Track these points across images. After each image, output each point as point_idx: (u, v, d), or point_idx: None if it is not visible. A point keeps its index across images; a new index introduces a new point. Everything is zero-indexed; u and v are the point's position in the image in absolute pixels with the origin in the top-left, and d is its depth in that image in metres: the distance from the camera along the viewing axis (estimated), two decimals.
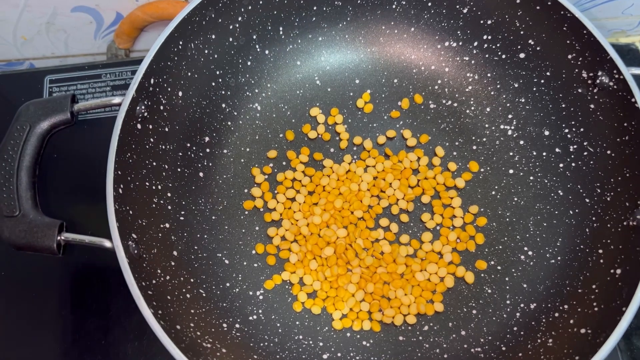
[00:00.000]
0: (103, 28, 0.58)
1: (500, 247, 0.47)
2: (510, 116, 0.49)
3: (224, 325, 0.43)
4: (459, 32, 0.50)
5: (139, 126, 0.42)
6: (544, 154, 0.48)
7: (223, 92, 0.49)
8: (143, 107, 0.42)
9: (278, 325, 0.44)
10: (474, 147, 0.50)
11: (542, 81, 0.47)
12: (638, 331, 0.48)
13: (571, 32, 0.44)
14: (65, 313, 0.48)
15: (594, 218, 0.44)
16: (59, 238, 0.38)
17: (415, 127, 0.51)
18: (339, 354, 0.44)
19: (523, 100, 0.49)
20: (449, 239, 0.47)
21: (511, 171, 0.49)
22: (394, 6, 0.50)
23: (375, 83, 0.52)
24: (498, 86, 0.50)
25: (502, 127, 0.50)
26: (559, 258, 0.45)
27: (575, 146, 0.46)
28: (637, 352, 0.48)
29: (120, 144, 0.40)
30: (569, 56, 0.45)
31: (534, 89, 0.48)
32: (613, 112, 0.43)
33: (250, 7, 0.47)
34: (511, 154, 0.49)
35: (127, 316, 0.48)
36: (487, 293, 0.45)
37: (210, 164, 0.48)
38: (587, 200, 0.45)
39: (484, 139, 0.50)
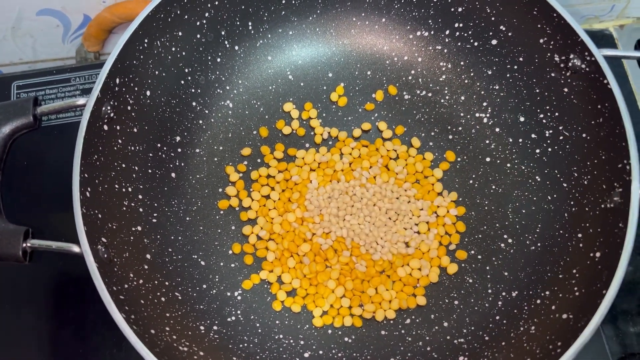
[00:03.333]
0: (71, 31, 0.57)
1: (480, 236, 0.46)
2: (485, 104, 0.49)
3: (201, 327, 0.42)
4: (430, 21, 0.49)
5: (105, 127, 0.41)
6: (520, 140, 0.47)
7: (193, 90, 0.48)
8: (109, 108, 0.41)
9: (257, 325, 0.44)
10: (450, 137, 0.49)
11: (515, 67, 0.47)
12: (624, 316, 0.48)
13: (541, 16, 0.44)
14: (41, 323, 0.47)
15: (572, 202, 0.43)
16: (24, 245, 0.37)
17: (390, 119, 0.50)
18: (320, 352, 0.43)
19: (497, 87, 0.48)
20: (433, 232, 0.46)
21: (488, 159, 0.48)
22: None
23: (349, 76, 0.51)
24: (472, 74, 0.49)
25: (477, 115, 0.49)
26: (539, 244, 0.44)
27: (550, 131, 0.46)
28: (624, 336, 0.48)
29: (86, 146, 0.39)
30: (541, 40, 0.45)
31: (508, 75, 0.48)
32: (586, 95, 0.43)
33: (217, 2, 0.46)
34: (487, 141, 0.48)
35: (105, 323, 0.46)
36: (469, 283, 0.45)
37: (183, 164, 0.47)
38: (565, 185, 0.44)
39: (460, 128, 0.49)
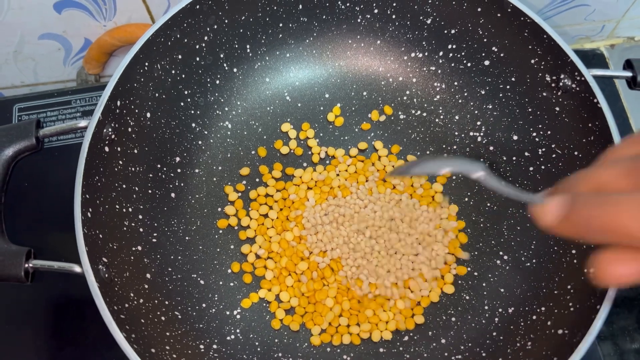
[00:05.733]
0: (72, 54, 0.58)
1: (476, 253, 0.47)
2: (478, 123, 0.50)
3: (201, 346, 0.42)
4: (424, 43, 0.50)
5: (106, 149, 0.42)
6: (514, 158, 0.48)
7: (192, 112, 0.49)
8: (110, 130, 0.42)
9: (257, 344, 0.44)
10: (445, 155, 0.50)
11: (508, 87, 0.48)
12: (622, 332, 0.48)
13: (532, 37, 0.45)
14: (41, 343, 0.47)
15: None
16: (26, 265, 0.37)
17: (386, 138, 0.51)
18: None
19: (490, 107, 0.49)
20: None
21: None
22: (359, 20, 0.51)
23: (345, 96, 0.52)
24: (465, 94, 0.50)
25: (471, 134, 0.50)
26: (534, 261, 0.45)
27: (543, 149, 0.46)
28: (623, 353, 0.48)
29: (88, 167, 0.40)
30: (532, 61, 0.46)
31: (500, 95, 0.49)
32: (577, 114, 0.44)
33: (215, 27, 0.48)
34: (481, 160, 0.49)
35: (105, 343, 0.46)
36: (466, 300, 0.45)
37: (182, 184, 0.48)
38: None
39: (455, 147, 0.50)
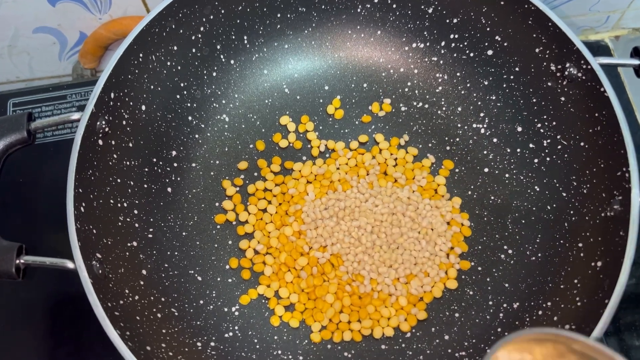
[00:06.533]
0: (67, 48, 0.57)
1: (480, 247, 0.46)
2: (482, 114, 0.49)
3: (198, 344, 0.41)
4: (425, 33, 0.49)
5: (100, 142, 0.41)
6: (518, 150, 0.47)
7: (189, 105, 0.48)
8: (104, 122, 0.41)
9: (255, 341, 0.43)
10: (448, 148, 0.49)
11: (512, 77, 0.47)
12: (629, 329, 0.48)
13: (536, 25, 0.44)
14: (36, 343, 0.47)
15: (572, 212, 0.43)
16: (18, 261, 0.37)
17: (387, 131, 0.50)
18: None
19: (494, 98, 0.48)
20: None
21: (486, 170, 0.48)
22: (359, 10, 0.50)
23: (345, 88, 0.51)
24: (468, 85, 0.49)
25: (474, 125, 0.49)
26: (539, 255, 0.44)
27: (548, 140, 0.45)
28: (629, 350, 0.47)
29: (81, 160, 0.39)
30: (537, 50, 0.45)
31: (504, 85, 0.48)
32: (583, 103, 0.43)
33: (212, 17, 0.47)
34: (485, 152, 0.48)
35: (101, 341, 0.45)
36: (469, 295, 0.44)
37: (179, 179, 0.47)
38: (564, 194, 0.44)
39: (457, 139, 0.49)
